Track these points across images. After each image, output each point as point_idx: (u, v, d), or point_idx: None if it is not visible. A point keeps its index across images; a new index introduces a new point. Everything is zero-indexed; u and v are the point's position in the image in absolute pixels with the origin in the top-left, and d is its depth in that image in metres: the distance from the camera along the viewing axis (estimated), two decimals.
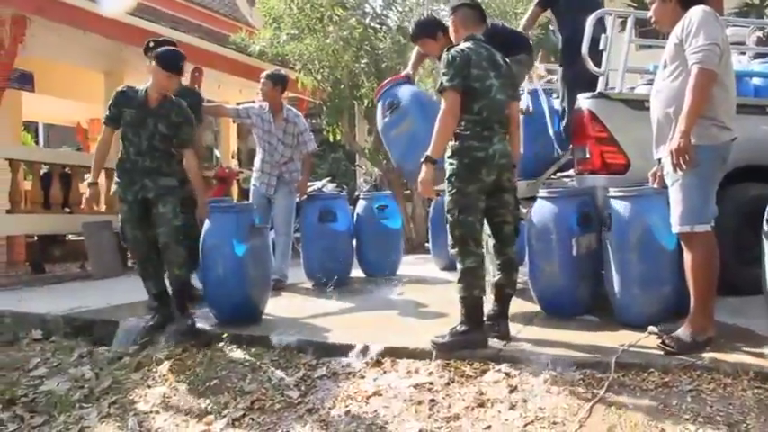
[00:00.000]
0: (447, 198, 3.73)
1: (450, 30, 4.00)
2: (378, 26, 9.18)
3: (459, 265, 3.67)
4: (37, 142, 16.41)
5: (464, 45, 3.77)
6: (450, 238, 3.73)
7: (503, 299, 3.89)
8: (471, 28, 3.90)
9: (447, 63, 3.68)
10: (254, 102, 6.40)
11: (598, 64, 4.39)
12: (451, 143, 3.70)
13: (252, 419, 3.35)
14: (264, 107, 5.95)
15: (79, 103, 11.49)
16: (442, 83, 3.69)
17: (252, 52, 9.56)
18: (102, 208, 8.96)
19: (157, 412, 3.62)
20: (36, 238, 8.86)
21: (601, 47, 4.40)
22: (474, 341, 3.62)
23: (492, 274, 3.92)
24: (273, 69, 6.54)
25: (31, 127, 15.55)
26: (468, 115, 3.68)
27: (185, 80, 9.68)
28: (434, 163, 3.65)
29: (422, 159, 3.65)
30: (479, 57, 3.72)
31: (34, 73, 9.73)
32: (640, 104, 4.09)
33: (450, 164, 3.69)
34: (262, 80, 6.02)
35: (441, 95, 3.71)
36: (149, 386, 3.88)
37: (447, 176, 3.71)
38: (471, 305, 3.63)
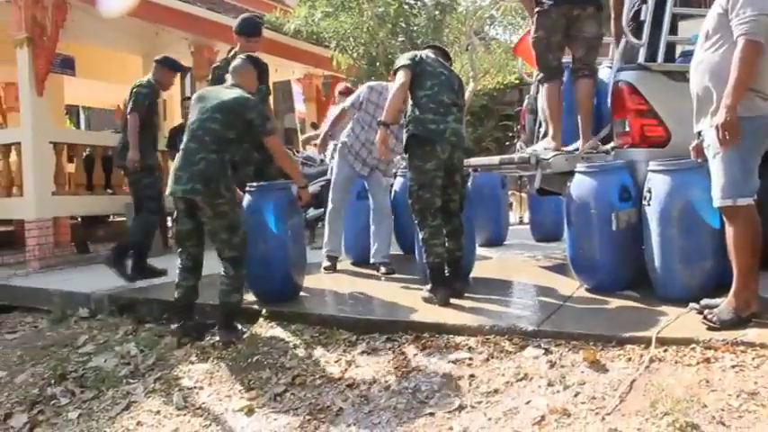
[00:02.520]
0: (408, 174, 4.40)
1: None
2: (413, 2, 9.11)
3: (424, 235, 4.28)
4: (78, 125, 16.69)
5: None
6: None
7: (455, 261, 4.42)
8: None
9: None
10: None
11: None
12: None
13: (293, 395, 3.42)
14: (377, 86, 5.65)
15: (119, 86, 11.63)
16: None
17: (287, 31, 9.57)
18: None
19: (201, 388, 3.71)
20: (80, 219, 9.07)
21: (642, 17, 4.32)
22: (440, 297, 4.17)
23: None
24: None
25: (71, 111, 15.79)
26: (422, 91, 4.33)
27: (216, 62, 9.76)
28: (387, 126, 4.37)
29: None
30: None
31: (75, 57, 9.88)
32: (681, 76, 4.01)
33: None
34: None
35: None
36: (192, 362, 3.97)
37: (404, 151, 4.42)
38: (433, 267, 4.25)
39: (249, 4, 11.87)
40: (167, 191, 4.20)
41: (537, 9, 4.70)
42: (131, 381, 3.93)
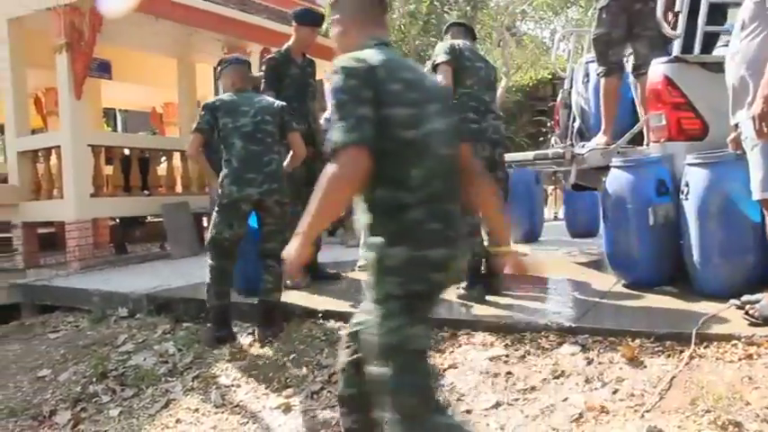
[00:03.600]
0: None
1: None
2: None
3: None
4: (115, 128, 16.97)
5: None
6: None
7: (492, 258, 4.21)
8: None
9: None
10: None
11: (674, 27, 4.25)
12: None
13: (330, 393, 3.43)
14: None
15: (154, 89, 11.80)
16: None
17: (319, 30, 9.58)
18: (179, 189, 9.25)
19: (239, 386, 3.75)
20: (118, 220, 9.22)
21: (677, 8, 4.26)
22: (477, 294, 4.15)
23: None
24: None
25: (108, 114, 16.06)
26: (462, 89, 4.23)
27: (255, 61, 9.81)
28: None
29: None
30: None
31: (111, 61, 10.05)
32: (719, 67, 3.93)
33: None
34: None
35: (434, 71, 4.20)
36: (229, 361, 4.01)
37: None
38: (472, 266, 4.08)
39: (279, 4, 11.95)
40: (234, 194, 4.14)
41: (598, 4, 4.65)
42: (170, 379, 3.99)
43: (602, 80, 4.79)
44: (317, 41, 5.41)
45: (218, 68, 4.80)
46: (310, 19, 5.23)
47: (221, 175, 4.20)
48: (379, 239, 1.98)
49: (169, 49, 9.73)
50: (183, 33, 8.94)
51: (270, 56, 5.40)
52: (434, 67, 4.30)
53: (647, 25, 4.53)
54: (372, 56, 2.01)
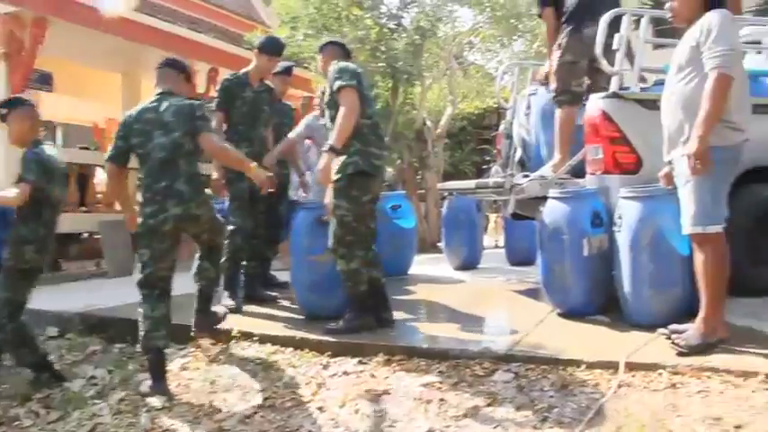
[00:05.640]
0: (342, 203, 4.05)
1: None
2: (394, 26, 9.16)
3: (346, 266, 4.07)
4: (54, 142, 16.55)
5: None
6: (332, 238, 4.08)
7: (379, 289, 4.27)
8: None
9: (340, 69, 4.07)
10: None
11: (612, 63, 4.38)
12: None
13: (262, 417, 3.38)
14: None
15: (97, 103, 11.60)
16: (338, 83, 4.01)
17: (277, 60, 9.58)
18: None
19: (169, 409, 3.66)
20: None
21: (614, 46, 4.39)
22: (365, 326, 4.10)
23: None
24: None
25: (48, 127, 15.66)
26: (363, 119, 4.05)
27: (201, 80, 9.74)
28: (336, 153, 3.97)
29: (325, 149, 3.98)
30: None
31: (53, 73, 9.85)
32: (654, 104, 4.07)
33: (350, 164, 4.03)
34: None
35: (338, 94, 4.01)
36: None
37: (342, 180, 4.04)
38: (359, 298, 4.10)
39: (230, 25, 11.94)
40: None
41: (563, 35, 4.74)
42: (98, 402, 3.86)
43: (563, 108, 4.83)
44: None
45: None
46: (269, 49, 5.27)
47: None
48: None
49: (114, 64, 9.60)
50: (130, 49, 8.83)
51: (226, 77, 5.42)
52: (339, 90, 4.02)
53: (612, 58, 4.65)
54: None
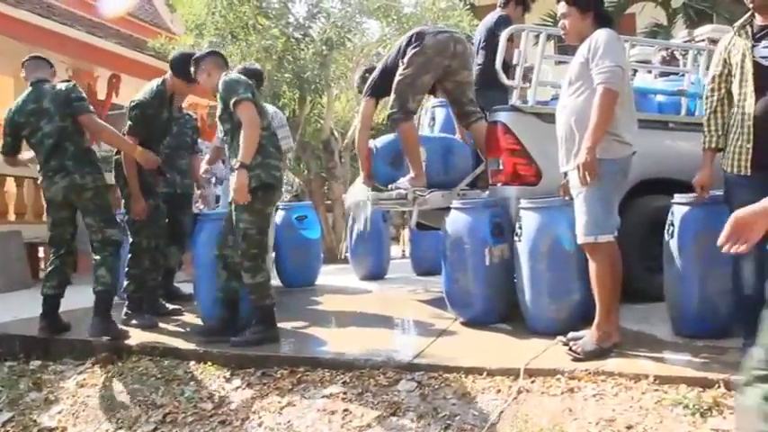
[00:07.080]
0: (245, 216, 4.03)
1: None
2: (300, 36, 9.15)
3: (251, 279, 4.08)
4: None
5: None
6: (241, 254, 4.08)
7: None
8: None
9: (233, 81, 4.07)
10: None
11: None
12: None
13: None
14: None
15: None
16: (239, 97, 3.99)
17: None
18: (12, 217, 8.63)
19: (64, 428, 3.51)
20: None
21: (514, 62, 4.53)
22: (270, 338, 4.09)
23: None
24: None
25: None
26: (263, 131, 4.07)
27: (102, 86, 9.42)
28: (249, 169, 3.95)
29: (236, 166, 3.96)
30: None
31: None
32: (552, 118, 4.21)
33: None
34: None
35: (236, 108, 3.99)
36: (54, 402, 3.76)
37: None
38: (265, 311, 4.12)
39: (133, 30, 11.60)
40: None
41: (411, 48, 4.78)
42: None
43: (399, 126, 4.77)
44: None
45: None
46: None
47: None
48: None
49: (7, 67, 9.14)
50: (23, 51, 8.41)
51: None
52: (236, 104, 3.97)
53: (465, 72, 4.81)
54: None
